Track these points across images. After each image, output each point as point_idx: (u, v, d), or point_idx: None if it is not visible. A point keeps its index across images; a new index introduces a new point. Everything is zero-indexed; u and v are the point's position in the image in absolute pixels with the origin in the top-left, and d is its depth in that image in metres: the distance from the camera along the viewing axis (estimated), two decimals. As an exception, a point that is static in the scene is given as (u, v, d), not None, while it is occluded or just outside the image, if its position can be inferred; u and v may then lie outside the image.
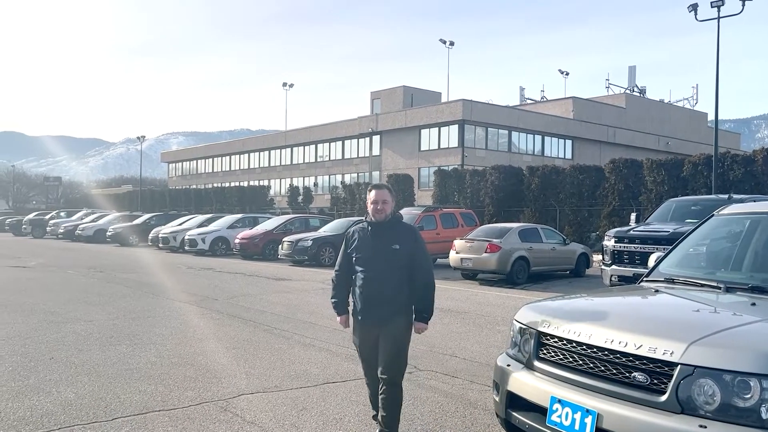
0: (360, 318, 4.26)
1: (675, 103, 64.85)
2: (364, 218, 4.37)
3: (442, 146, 44.96)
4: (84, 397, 5.28)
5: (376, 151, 49.71)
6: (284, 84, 60.73)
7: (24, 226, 42.84)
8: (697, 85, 65.76)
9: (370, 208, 4.23)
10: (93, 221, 36.91)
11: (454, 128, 44.19)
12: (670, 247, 4.68)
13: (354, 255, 4.28)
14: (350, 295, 4.36)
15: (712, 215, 4.74)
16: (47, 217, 43.46)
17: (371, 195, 4.22)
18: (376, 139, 49.59)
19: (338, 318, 4.38)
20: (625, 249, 11.46)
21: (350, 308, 4.34)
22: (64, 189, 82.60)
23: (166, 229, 28.59)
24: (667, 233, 10.64)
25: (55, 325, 8.66)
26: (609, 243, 11.88)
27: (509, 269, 14.85)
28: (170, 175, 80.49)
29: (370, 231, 4.24)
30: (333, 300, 4.38)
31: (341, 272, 4.37)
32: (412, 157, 46.26)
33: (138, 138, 62.02)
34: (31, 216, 46.21)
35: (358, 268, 4.24)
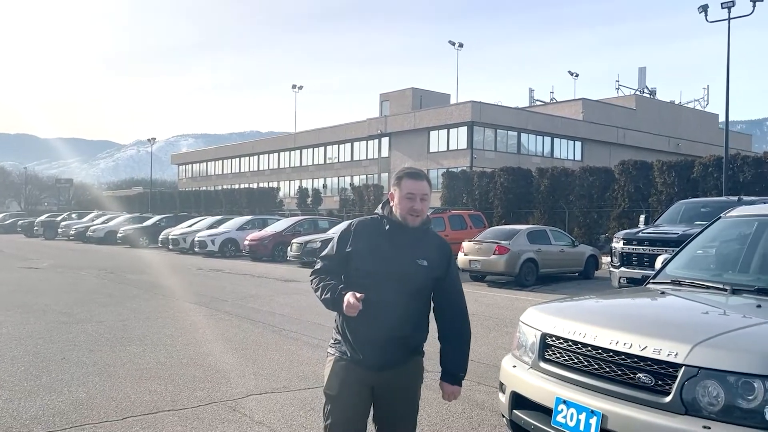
0: (353, 358, 2.85)
1: (686, 105, 64.52)
2: (378, 213, 2.97)
3: (451, 148, 44.95)
4: (95, 396, 5.34)
5: (384, 153, 49.76)
6: (293, 86, 60.96)
7: (36, 228, 43.20)
8: (708, 86, 65.45)
9: (400, 205, 2.86)
10: (104, 223, 37.19)
11: (463, 130, 44.17)
12: (677, 249, 4.69)
13: (357, 263, 2.86)
14: (336, 327, 2.97)
15: (720, 217, 4.74)
16: (59, 218, 43.86)
17: (405, 185, 2.85)
18: (385, 141, 49.65)
19: (345, 303, 2.73)
20: (634, 251, 11.44)
21: (334, 348, 2.96)
22: (76, 191, 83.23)
23: (176, 231, 28.78)
24: (675, 235, 10.62)
25: (66, 325, 8.76)
26: (618, 245, 11.87)
27: (518, 271, 14.84)
28: (180, 177, 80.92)
29: (388, 233, 2.87)
30: (324, 297, 2.86)
31: (328, 273, 2.95)
32: (421, 159, 46.28)
33: (148, 140, 62.46)
34: (42, 218, 46.65)
35: (359, 283, 2.82)
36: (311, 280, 2.97)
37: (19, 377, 5.92)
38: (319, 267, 2.98)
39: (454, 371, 2.96)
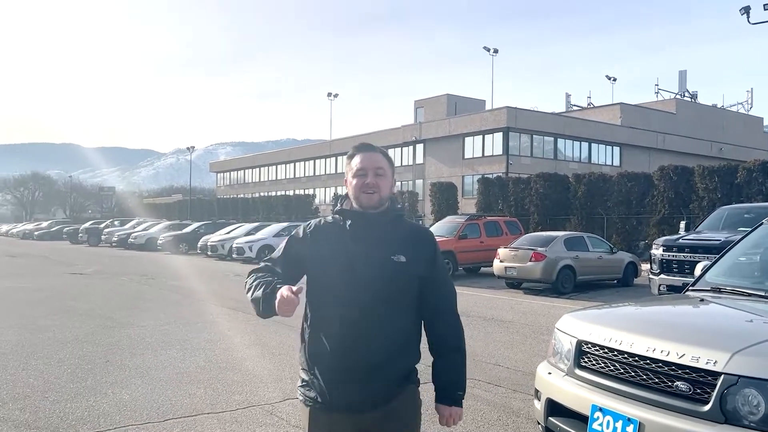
0: (324, 403, 2.25)
1: (728, 108, 62.93)
2: (334, 213, 2.40)
3: (486, 154, 44.71)
4: (137, 399, 5.49)
5: (419, 160, 49.78)
6: (329, 94, 61.50)
7: (80, 235, 44.42)
8: (752, 89, 63.85)
9: (352, 185, 2.33)
10: (145, 230, 38.05)
11: (498, 136, 43.90)
12: (718, 256, 4.61)
13: (314, 272, 2.32)
14: (301, 355, 2.36)
15: (762, 223, 4.64)
16: (102, 225, 45.00)
17: (354, 161, 2.33)
18: (420, 147, 49.67)
19: (277, 300, 2.11)
20: (674, 258, 11.21)
21: (301, 391, 2.35)
22: (118, 198, 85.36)
23: (214, 238, 29.25)
24: (718, 242, 10.36)
25: (109, 329, 9.00)
26: (657, 252, 11.64)
27: (555, 278, 14.67)
28: (218, 185, 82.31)
29: (351, 229, 2.29)
30: (254, 295, 2.24)
31: (268, 272, 2.38)
32: (456, 165, 46.13)
33: (187, 148, 63.75)
34: (87, 225, 47.92)
35: (320, 299, 2.28)
36: (245, 282, 2.35)
37: (65, 379, 6.12)
38: (259, 266, 2.42)
39: (450, 391, 2.40)
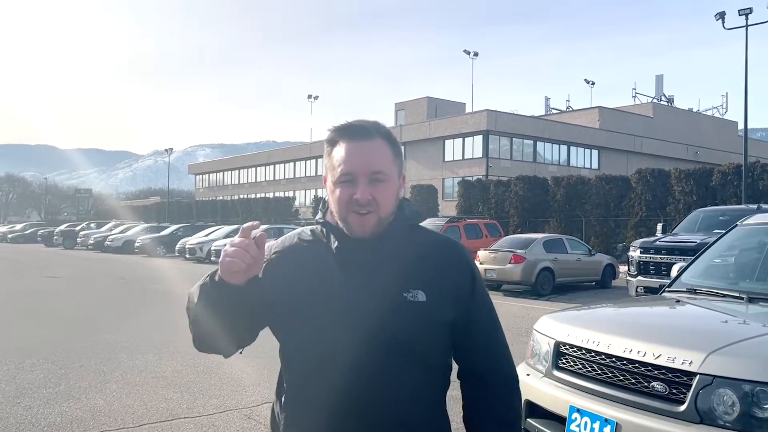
0: None
1: (704, 112, 63.97)
2: (316, 223, 1.61)
3: (466, 157, 44.92)
4: (112, 403, 5.40)
5: (400, 162, 49.81)
6: (309, 96, 61.38)
7: (55, 237, 43.78)
8: (726, 93, 64.87)
9: (334, 196, 1.49)
10: (122, 232, 37.60)
11: (479, 139, 44.14)
12: (693, 258, 4.66)
13: (281, 315, 1.57)
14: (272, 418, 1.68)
15: (736, 225, 4.70)
16: (78, 228, 44.39)
17: (337, 155, 1.49)
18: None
19: (221, 259, 1.42)
20: (651, 260, 11.35)
21: None
22: (94, 201, 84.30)
23: (192, 240, 29.01)
24: (693, 244, 10.51)
25: (84, 333, 8.86)
26: (635, 254, 11.78)
27: (534, 280, 14.76)
28: (197, 187, 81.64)
29: (337, 252, 1.52)
30: (192, 298, 1.51)
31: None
32: (436, 168, 46.27)
33: (166, 150, 63.11)
34: (62, 227, 47.25)
35: (302, 359, 1.56)
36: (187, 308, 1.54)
37: (38, 384, 6.00)
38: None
39: None
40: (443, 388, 1.64)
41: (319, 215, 1.59)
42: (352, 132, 1.49)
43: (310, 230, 1.62)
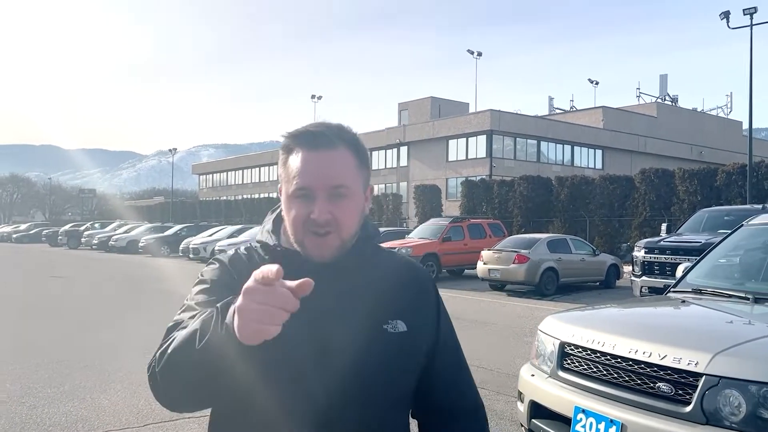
0: None
1: (708, 112, 63.78)
2: (272, 243, 1.32)
3: (469, 157, 44.87)
4: (116, 403, 5.41)
5: (403, 162, 49.82)
6: (312, 96, 61.34)
7: (60, 237, 43.88)
8: (731, 93, 64.64)
9: (288, 213, 1.27)
10: (126, 232, 37.67)
11: (482, 138, 44.09)
12: (698, 258, 4.64)
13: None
14: None
15: (742, 225, 4.68)
16: (82, 228, 44.48)
17: (292, 164, 1.27)
18: (404, 150, 49.72)
19: (243, 294, 0.97)
20: (656, 260, 11.32)
21: None
22: (98, 201, 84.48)
23: (196, 240, 29.03)
24: (698, 244, 10.48)
25: (89, 333, 8.88)
26: (639, 254, 11.75)
27: (538, 280, 14.74)
28: (201, 187, 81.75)
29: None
30: (181, 341, 1.19)
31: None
32: (440, 168, 46.24)
33: (170, 150, 63.27)
34: (66, 227, 47.35)
35: (261, 405, 1.18)
36: (155, 355, 1.25)
37: (42, 384, 6.01)
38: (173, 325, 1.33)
39: None
40: (406, 415, 1.38)
41: (268, 230, 1.35)
42: (310, 139, 1.26)
43: (260, 245, 1.34)
